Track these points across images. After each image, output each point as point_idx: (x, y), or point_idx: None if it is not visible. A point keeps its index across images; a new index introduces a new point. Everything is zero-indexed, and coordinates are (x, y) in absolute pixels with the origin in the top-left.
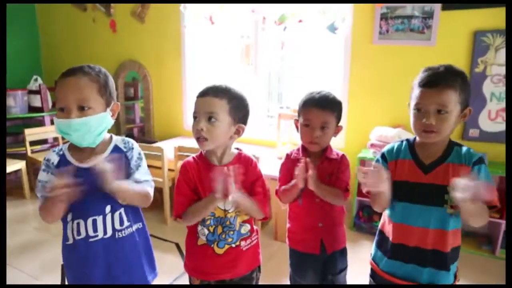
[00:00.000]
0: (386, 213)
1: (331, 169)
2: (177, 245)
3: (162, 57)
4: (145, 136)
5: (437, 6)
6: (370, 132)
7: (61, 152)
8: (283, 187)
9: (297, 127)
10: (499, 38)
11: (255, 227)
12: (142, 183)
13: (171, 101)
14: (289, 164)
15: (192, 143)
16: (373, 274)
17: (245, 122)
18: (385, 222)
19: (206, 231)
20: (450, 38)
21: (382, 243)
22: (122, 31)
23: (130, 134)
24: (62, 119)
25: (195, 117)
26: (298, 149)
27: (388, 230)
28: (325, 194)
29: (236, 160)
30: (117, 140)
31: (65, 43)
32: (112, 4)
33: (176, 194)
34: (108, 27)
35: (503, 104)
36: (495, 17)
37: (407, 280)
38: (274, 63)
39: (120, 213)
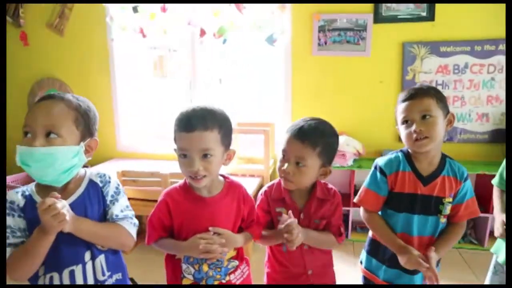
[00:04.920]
0: None
1: (322, 212)
2: (132, 280)
3: (87, 73)
4: None
5: (369, 20)
6: None
7: (26, 193)
8: (263, 232)
9: None
10: (423, 49)
11: (245, 256)
12: (121, 220)
13: (100, 121)
14: (267, 204)
15: (133, 166)
16: (367, 283)
17: (230, 144)
18: None
19: (192, 270)
20: (383, 49)
21: (377, 251)
22: (36, 45)
23: None
24: (24, 146)
25: (182, 155)
26: (279, 184)
27: None
28: (317, 244)
29: (226, 190)
30: (92, 174)
31: None
32: (21, 14)
33: (149, 223)
34: (18, 40)
35: None
36: (419, 30)
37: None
38: (213, 76)
39: (100, 261)
